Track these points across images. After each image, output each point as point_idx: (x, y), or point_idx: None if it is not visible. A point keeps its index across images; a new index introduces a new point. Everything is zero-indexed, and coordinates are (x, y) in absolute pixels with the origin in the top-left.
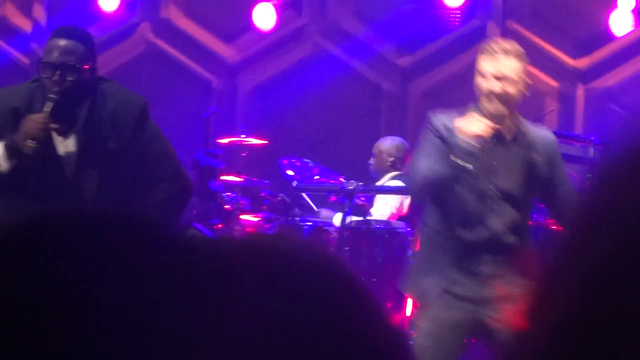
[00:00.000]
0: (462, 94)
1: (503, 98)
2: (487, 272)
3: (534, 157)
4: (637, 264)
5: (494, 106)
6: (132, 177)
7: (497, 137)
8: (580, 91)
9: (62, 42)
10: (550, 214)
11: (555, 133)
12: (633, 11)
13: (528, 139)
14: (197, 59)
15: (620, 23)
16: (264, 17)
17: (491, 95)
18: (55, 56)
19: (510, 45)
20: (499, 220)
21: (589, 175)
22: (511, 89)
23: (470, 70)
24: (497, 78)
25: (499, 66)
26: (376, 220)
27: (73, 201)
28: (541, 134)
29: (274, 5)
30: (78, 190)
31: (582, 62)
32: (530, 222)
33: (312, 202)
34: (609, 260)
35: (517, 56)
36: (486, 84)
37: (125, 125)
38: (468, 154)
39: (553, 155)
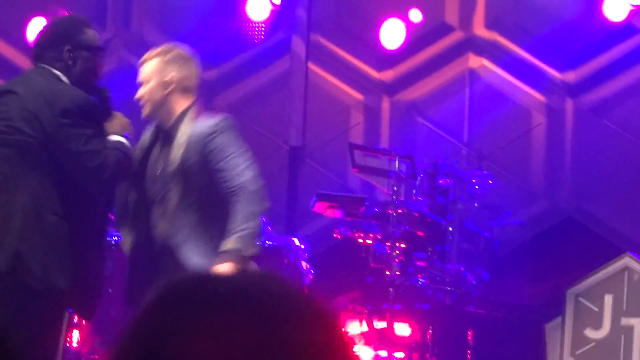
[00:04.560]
0: (267, 107)
1: (142, 102)
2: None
3: (182, 155)
4: None
5: (143, 112)
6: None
7: (153, 139)
8: (385, 104)
9: None
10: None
11: (359, 146)
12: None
13: (179, 137)
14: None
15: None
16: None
17: (139, 102)
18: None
19: (155, 50)
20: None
21: None
22: (145, 92)
23: (274, 84)
24: (140, 86)
25: (139, 75)
26: None
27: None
28: (197, 128)
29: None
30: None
31: (388, 75)
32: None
33: None
34: None
35: (155, 56)
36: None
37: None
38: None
39: (205, 149)
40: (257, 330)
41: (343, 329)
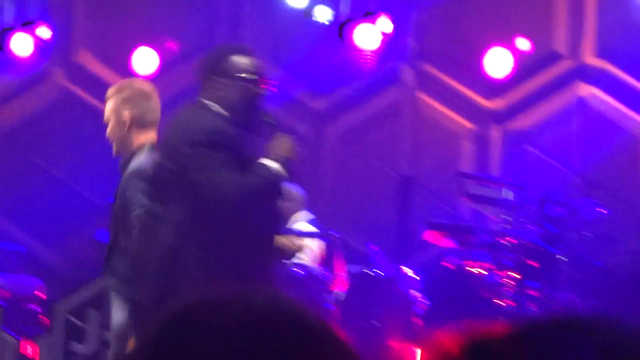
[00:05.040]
0: (377, 136)
1: (110, 141)
2: None
3: (119, 193)
4: None
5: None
6: None
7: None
8: (495, 132)
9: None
10: None
11: (469, 174)
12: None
13: (124, 174)
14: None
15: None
16: (144, 63)
17: None
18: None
19: (112, 88)
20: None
21: None
22: (108, 132)
23: (383, 113)
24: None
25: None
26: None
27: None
28: (134, 163)
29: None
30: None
31: (497, 103)
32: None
33: None
34: None
35: (112, 95)
36: None
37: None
38: None
39: (126, 184)
40: (270, 357)
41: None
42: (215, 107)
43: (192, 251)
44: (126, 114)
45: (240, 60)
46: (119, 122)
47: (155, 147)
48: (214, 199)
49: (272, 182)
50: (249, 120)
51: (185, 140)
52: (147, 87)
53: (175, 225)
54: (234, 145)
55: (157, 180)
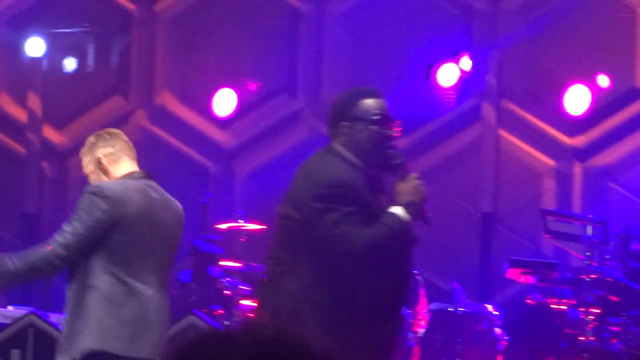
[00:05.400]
0: (459, 173)
1: None
2: None
3: None
4: None
5: None
6: None
7: None
8: (577, 169)
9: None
10: None
11: (552, 211)
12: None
13: None
14: (193, 145)
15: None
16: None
17: None
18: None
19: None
20: None
21: None
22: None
23: (465, 150)
24: None
25: None
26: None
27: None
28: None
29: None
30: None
31: (579, 140)
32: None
33: None
34: None
35: (82, 154)
36: None
37: None
38: None
39: None
40: None
41: None
42: (347, 153)
43: (318, 304)
44: (90, 168)
45: (370, 103)
46: (91, 176)
47: (283, 195)
48: (344, 254)
49: (403, 233)
50: (380, 164)
51: (314, 196)
52: (108, 132)
53: (302, 277)
54: (363, 196)
55: (284, 231)
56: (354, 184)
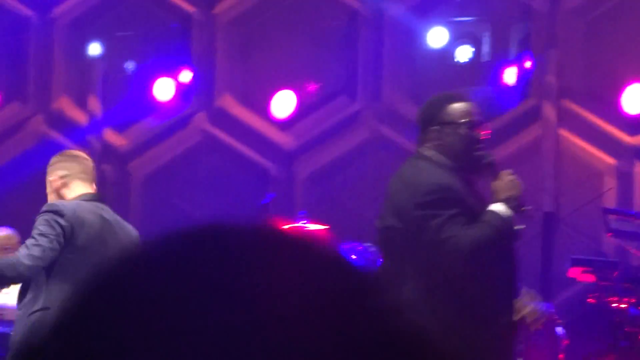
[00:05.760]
0: (519, 173)
1: None
2: None
3: None
4: None
5: None
6: None
7: None
8: (638, 168)
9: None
10: None
11: (613, 210)
12: None
13: None
14: (254, 146)
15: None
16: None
17: None
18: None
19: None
20: None
21: None
22: None
23: (525, 150)
24: None
25: None
26: None
27: None
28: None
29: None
30: None
31: (639, 139)
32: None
33: None
34: None
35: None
36: None
37: None
38: None
39: None
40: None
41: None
42: (438, 156)
43: (439, 309)
44: (49, 189)
45: (458, 106)
46: (52, 196)
47: (381, 209)
48: (452, 256)
49: (506, 229)
50: (473, 165)
51: (415, 204)
52: (70, 153)
53: (415, 286)
54: (462, 196)
55: (388, 243)
56: (452, 186)
